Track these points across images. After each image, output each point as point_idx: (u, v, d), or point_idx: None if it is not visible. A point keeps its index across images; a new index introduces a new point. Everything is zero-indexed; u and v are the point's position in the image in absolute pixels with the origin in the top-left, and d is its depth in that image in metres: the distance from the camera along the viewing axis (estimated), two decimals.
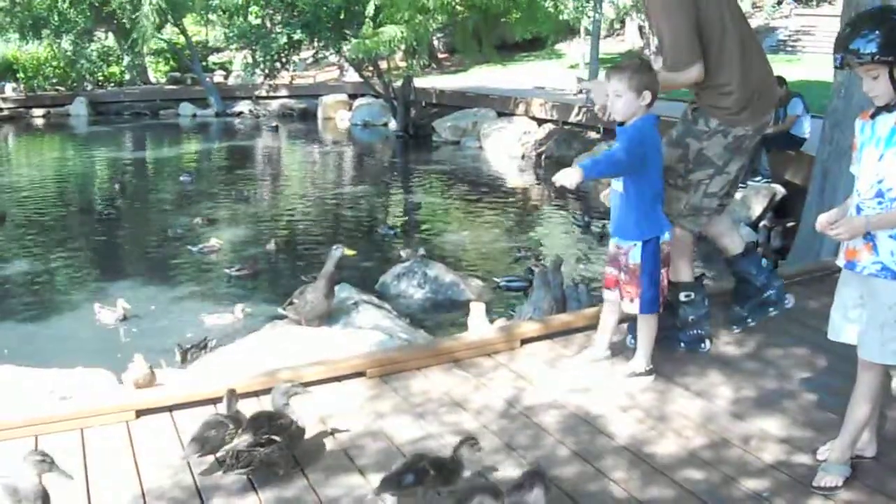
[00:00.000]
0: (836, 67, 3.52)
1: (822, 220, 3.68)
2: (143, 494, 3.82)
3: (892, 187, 3.45)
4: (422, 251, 11.26)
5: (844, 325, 3.71)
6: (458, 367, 5.20)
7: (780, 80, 13.58)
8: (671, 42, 4.85)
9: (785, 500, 3.63)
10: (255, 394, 4.73)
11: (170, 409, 4.62)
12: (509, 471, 3.94)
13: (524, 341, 5.50)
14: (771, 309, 5.48)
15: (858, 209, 3.59)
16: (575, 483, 3.84)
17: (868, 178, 3.54)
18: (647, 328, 4.93)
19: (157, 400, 4.70)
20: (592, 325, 5.28)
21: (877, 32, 3.33)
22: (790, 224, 10.84)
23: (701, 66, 4.83)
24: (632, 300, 4.86)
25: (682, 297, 5.23)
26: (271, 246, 12.72)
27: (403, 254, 11.59)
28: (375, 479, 3.78)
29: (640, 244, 4.77)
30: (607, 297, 5.05)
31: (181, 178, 19.21)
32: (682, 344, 5.30)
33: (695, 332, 5.29)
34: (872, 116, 3.55)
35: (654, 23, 5.16)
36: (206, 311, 9.64)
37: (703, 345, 5.30)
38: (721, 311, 5.73)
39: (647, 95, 4.59)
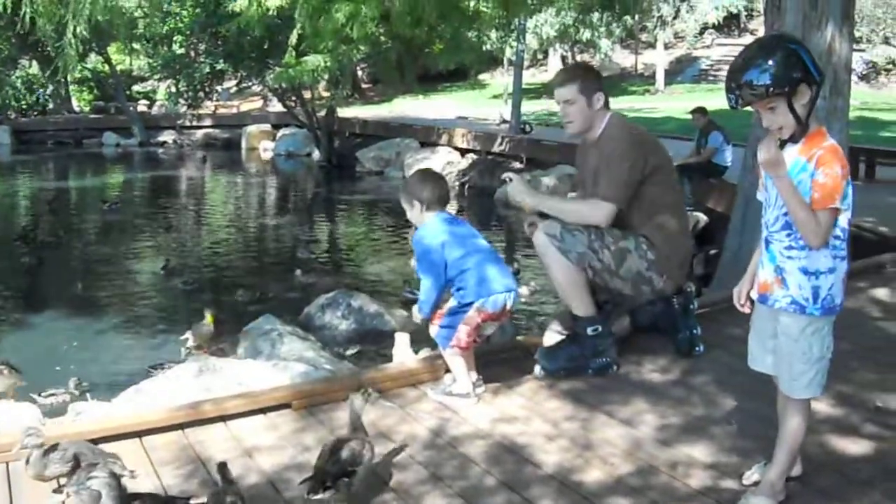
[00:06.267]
0: (731, 107, 3.43)
1: (740, 297, 3.73)
2: None
3: None
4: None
5: (763, 355, 3.70)
6: (383, 397, 5.14)
7: (702, 110, 13.85)
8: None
9: None
10: (180, 427, 4.63)
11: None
12: (437, 501, 3.89)
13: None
14: (590, 371, 5.38)
15: (767, 242, 3.57)
16: None
17: (773, 210, 3.52)
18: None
19: (70, 433, 4.50)
20: (516, 356, 5.24)
21: (770, 63, 3.26)
22: (713, 252, 10.93)
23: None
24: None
25: (589, 331, 5.30)
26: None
27: (298, 272, 12.30)
28: None
29: None
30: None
31: (104, 208, 18.97)
32: (591, 371, 5.37)
33: (604, 359, 5.37)
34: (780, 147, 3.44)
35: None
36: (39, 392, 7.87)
37: (610, 370, 5.39)
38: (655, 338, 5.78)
39: None
